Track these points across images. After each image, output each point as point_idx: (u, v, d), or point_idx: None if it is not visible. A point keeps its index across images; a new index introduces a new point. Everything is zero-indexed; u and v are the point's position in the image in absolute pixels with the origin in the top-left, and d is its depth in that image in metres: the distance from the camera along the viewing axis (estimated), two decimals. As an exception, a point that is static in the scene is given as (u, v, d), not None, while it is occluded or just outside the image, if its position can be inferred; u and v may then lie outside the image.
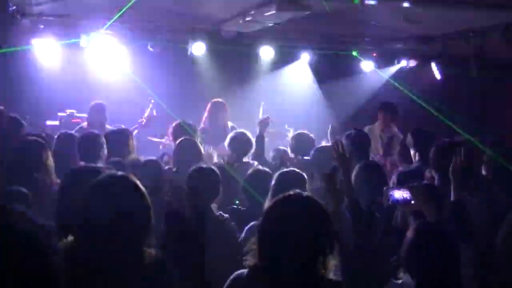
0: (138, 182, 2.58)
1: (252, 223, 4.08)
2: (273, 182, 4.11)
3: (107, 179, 2.57)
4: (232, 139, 6.16)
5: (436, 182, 4.21)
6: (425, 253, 2.79)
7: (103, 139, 5.20)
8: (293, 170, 4.17)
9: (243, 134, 6.23)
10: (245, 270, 2.52)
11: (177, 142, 5.66)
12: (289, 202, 2.48)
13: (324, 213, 2.48)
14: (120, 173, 2.66)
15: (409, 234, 2.91)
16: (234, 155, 6.06)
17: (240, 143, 6.09)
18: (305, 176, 4.17)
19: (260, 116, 9.04)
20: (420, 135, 5.64)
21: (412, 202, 3.51)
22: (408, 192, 3.52)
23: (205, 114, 7.99)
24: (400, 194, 3.54)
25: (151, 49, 9.07)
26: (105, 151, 5.16)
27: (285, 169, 4.19)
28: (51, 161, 4.54)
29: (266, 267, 2.40)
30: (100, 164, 5.00)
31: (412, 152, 5.68)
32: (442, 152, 4.29)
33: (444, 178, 4.09)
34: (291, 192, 2.54)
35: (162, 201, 4.68)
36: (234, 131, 6.48)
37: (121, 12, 7.87)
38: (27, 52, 8.84)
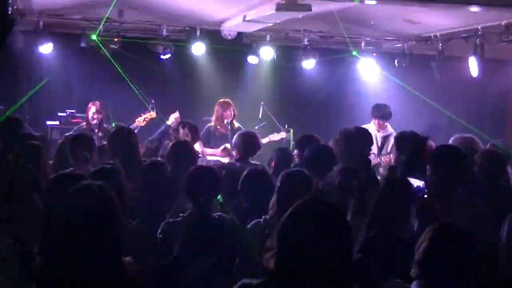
0: (111, 193, 2.53)
1: (253, 222, 4.06)
2: (278, 182, 4.05)
3: (78, 190, 2.53)
4: (238, 139, 6.13)
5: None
6: (445, 256, 2.76)
7: (94, 141, 5.23)
8: (299, 170, 4.11)
9: (250, 134, 6.21)
10: (254, 280, 2.36)
11: (171, 145, 5.66)
12: (311, 209, 2.30)
13: (345, 222, 2.33)
14: (94, 183, 2.60)
15: (428, 235, 2.85)
16: (238, 156, 6.06)
17: (246, 143, 6.05)
18: (311, 177, 4.09)
19: (260, 116, 9.07)
20: (404, 140, 5.66)
21: (425, 196, 3.47)
22: (424, 184, 3.47)
23: (214, 114, 8.03)
24: (415, 182, 3.48)
25: (151, 49, 9.06)
26: (95, 153, 5.18)
27: (290, 169, 4.12)
28: (48, 165, 4.53)
29: (285, 276, 2.23)
30: (90, 165, 5.03)
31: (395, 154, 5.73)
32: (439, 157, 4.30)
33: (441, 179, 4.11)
34: (311, 198, 2.37)
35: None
36: (241, 131, 6.45)
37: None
38: (27, 52, 8.83)
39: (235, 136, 6.27)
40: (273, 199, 3.94)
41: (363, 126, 7.75)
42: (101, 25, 8.44)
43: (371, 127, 8.14)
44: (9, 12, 7.38)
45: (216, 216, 4.03)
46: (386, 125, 8.16)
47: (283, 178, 4.02)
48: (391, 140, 7.77)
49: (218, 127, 7.92)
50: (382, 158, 7.38)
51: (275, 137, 8.42)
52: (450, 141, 5.77)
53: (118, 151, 5.22)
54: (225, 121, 7.89)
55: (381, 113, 8.08)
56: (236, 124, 7.99)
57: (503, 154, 5.29)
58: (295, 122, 9.42)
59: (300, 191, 3.84)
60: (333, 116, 10.45)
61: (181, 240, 3.92)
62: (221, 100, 8.13)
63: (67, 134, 6.84)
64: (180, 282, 3.80)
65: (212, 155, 7.66)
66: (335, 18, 8.21)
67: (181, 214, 4.08)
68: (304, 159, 5.28)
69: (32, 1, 7.88)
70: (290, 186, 3.89)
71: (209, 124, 8.03)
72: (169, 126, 7.20)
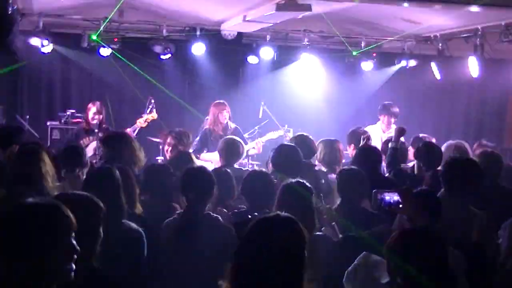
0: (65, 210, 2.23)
1: None
2: (278, 193, 4.01)
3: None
4: (220, 145, 6.11)
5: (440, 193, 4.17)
6: (409, 259, 2.74)
7: (84, 151, 5.27)
8: (299, 181, 4.03)
9: (231, 140, 6.18)
10: None
11: (172, 155, 5.70)
12: (268, 225, 2.43)
13: (302, 237, 2.42)
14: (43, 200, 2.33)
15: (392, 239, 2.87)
16: (223, 162, 6.06)
17: (228, 149, 6.03)
18: (312, 188, 4.02)
19: (260, 116, 9.06)
20: (424, 148, 5.66)
21: (400, 206, 3.46)
22: (398, 195, 3.47)
23: (209, 115, 8.05)
24: (391, 197, 3.49)
25: (151, 49, 9.06)
26: (87, 160, 5.21)
27: (290, 180, 4.09)
28: (51, 169, 4.49)
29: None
30: (80, 173, 5.04)
31: (416, 162, 5.71)
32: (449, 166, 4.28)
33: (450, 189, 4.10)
34: (271, 215, 2.51)
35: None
36: (225, 137, 6.42)
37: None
38: (27, 52, 8.83)
39: (220, 141, 6.23)
40: (274, 209, 3.89)
41: (369, 126, 7.79)
42: (102, 26, 8.44)
43: (377, 127, 8.16)
44: (9, 12, 7.38)
45: (209, 216, 4.06)
46: (392, 125, 8.17)
47: (284, 189, 3.97)
48: None
49: (215, 128, 7.91)
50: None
51: (273, 135, 8.43)
52: (443, 148, 5.79)
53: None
54: (224, 122, 7.89)
55: (391, 110, 8.14)
56: (233, 125, 7.97)
57: (499, 154, 5.30)
58: (294, 123, 9.44)
59: (301, 202, 3.81)
60: (333, 116, 10.45)
61: (169, 237, 4.00)
62: (217, 101, 8.13)
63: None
64: (166, 280, 3.85)
65: (207, 159, 7.68)
66: (334, 18, 8.21)
67: (177, 211, 4.12)
68: (272, 159, 5.28)
69: (32, 1, 7.88)
70: (291, 197, 3.85)
71: (206, 127, 8.01)
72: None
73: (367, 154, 5.52)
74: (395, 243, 2.82)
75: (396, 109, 8.25)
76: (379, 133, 8.17)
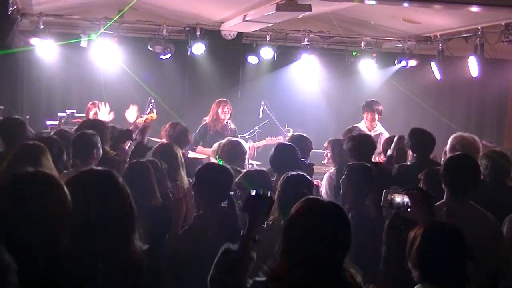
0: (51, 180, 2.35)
1: None
2: (278, 186, 4.00)
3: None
4: (222, 147, 5.97)
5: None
6: (442, 252, 2.78)
7: (97, 139, 5.20)
8: (299, 174, 4.03)
9: (232, 142, 6.12)
10: (262, 278, 2.52)
11: (155, 148, 5.67)
12: (316, 208, 2.52)
13: (347, 220, 2.52)
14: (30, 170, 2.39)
15: (421, 232, 2.86)
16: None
17: (226, 151, 5.87)
18: (312, 180, 4.07)
19: (260, 116, 9.05)
20: (417, 136, 5.64)
21: (409, 209, 3.41)
22: (407, 198, 3.42)
23: (210, 112, 8.08)
24: (401, 198, 3.42)
25: (151, 49, 9.06)
26: (100, 150, 5.17)
27: (291, 173, 4.09)
28: (50, 164, 4.47)
29: (290, 270, 2.41)
30: (93, 165, 5.01)
31: (410, 152, 5.69)
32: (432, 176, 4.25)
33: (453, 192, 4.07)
34: (316, 198, 2.61)
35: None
36: (226, 139, 6.35)
37: (121, 13, 7.89)
38: (27, 52, 8.84)
39: (230, 146, 6.17)
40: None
41: (354, 125, 7.76)
42: (103, 28, 8.44)
43: (362, 126, 8.12)
44: (9, 12, 7.39)
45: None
46: (377, 123, 8.13)
47: (284, 182, 3.97)
48: (382, 139, 7.77)
49: (214, 125, 7.93)
50: (376, 157, 7.33)
51: (272, 140, 8.44)
52: (450, 140, 5.76)
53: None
54: (224, 119, 7.89)
55: (374, 107, 8.07)
56: (232, 126, 7.98)
57: (506, 153, 5.25)
58: (295, 122, 9.44)
59: (302, 194, 3.81)
60: (333, 116, 10.46)
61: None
62: (219, 99, 8.15)
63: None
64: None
65: (203, 153, 7.72)
66: (335, 18, 8.22)
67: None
68: (270, 158, 5.29)
69: (32, 1, 7.88)
70: (292, 190, 3.85)
71: (205, 122, 8.05)
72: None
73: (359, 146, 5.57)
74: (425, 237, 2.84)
75: (380, 106, 8.14)
76: (364, 130, 8.13)
